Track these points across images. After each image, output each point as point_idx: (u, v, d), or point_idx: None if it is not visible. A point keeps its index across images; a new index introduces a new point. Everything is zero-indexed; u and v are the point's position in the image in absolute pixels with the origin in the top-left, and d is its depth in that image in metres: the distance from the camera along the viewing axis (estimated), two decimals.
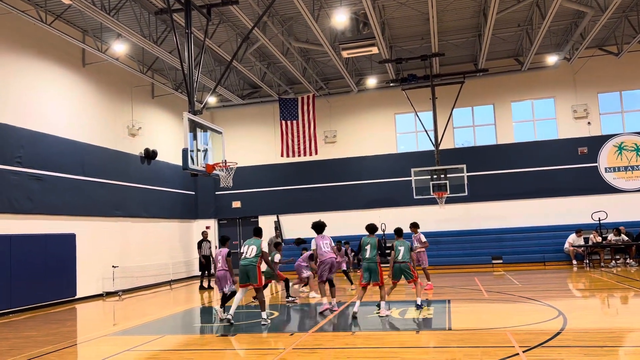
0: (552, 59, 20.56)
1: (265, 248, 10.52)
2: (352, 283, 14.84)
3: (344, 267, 15.24)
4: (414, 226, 14.43)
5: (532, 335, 7.68)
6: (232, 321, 9.80)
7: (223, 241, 11.07)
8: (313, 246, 11.37)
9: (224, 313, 10.15)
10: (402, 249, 10.64)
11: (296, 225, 22.67)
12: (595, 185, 20.91)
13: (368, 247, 10.29)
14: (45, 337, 9.66)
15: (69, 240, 15.30)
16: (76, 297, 15.35)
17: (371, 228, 10.65)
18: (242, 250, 10.18)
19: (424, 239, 14.27)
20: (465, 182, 18.62)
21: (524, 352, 6.60)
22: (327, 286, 10.92)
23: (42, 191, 14.62)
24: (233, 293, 10.33)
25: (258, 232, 10.56)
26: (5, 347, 8.88)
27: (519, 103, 22.38)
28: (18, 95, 14.22)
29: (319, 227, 11.28)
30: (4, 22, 13.83)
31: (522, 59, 21.07)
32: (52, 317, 12.44)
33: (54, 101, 15.59)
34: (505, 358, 6.39)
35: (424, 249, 14.21)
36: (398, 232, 11.10)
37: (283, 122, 21.77)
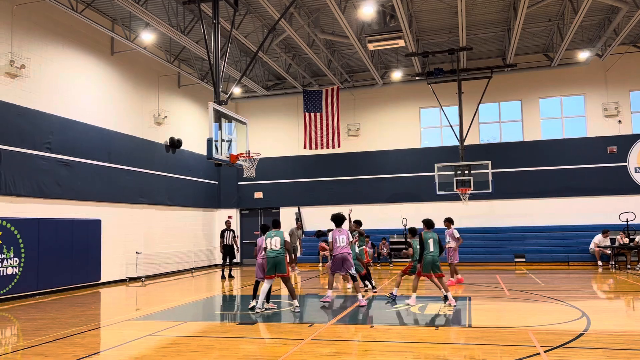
0: (583, 55, 20.10)
1: (287, 238, 10.68)
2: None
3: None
4: (448, 221, 14.35)
5: (554, 335, 7.57)
6: (258, 310, 10.10)
7: (265, 230, 10.92)
8: (330, 239, 11.37)
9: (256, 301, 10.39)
10: (431, 241, 10.79)
11: (317, 218, 22.74)
12: (624, 185, 20.44)
13: (431, 242, 10.79)
14: (71, 319, 9.89)
15: (94, 226, 15.60)
16: (100, 281, 15.67)
17: (428, 223, 11.12)
18: (265, 244, 10.43)
19: (457, 235, 14.22)
20: (490, 178, 18.40)
21: (545, 352, 6.52)
22: (336, 279, 11.26)
23: (70, 177, 14.92)
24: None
25: (277, 224, 10.85)
26: (33, 327, 9.13)
27: (548, 100, 21.96)
28: (49, 82, 14.50)
29: (338, 220, 11.36)
30: (36, 10, 14.09)
31: (552, 55, 20.65)
32: (77, 300, 12.73)
33: (83, 89, 15.86)
34: (526, 357, 6.32)
35: (455, 245, 14.14)
36: (428, 224, 11.09)
37: (306, 114, 21.76)
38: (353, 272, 11.15)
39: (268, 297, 10.55)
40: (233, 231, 17.91)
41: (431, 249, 10.75)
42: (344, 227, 11.39)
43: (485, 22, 18.32)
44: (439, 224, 21.24)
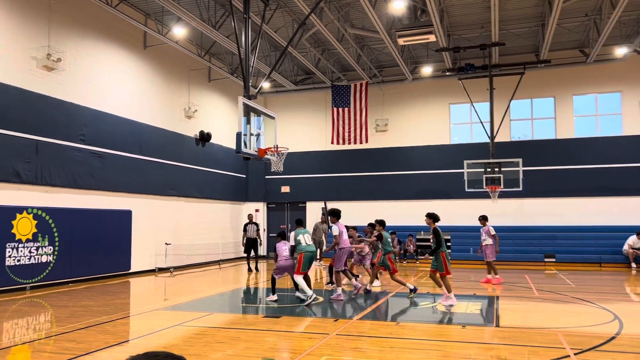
0: (620, 51, 19.51)
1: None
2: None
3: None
4: (484, 218, 14.31)
5: (585, 338, 7.42)
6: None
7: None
8: (335, 232, 11.36)
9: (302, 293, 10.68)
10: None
11: (344, 213, 22.67)
12: None
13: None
14: (101, 307, 10.14)
15: (125, 217, 15.93)
16: (130, 271, 16.00)
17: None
18: (296, 241, 10.85)
19: (493, 232, 14.10)
20: (521, 176, 18.07)
21: (575, 354, 6.39)
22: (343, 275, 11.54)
23: (102, 168, 15.25)
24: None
25: (301, 222, 11.71)
26: (66, 314, 9.39)
27: (582, 97, 21.41)
28: (83, 75, 14.83)
29: (338, 214, 11.85)
30: (72, 4, 14.41)
31: (587, 51, 20.11)
32: (108, 289, 13.03)
33: (116, 82, 16.17)
34: (556, 359, 6.20)
35: (491, 243, 14.03)
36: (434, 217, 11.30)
37: (335, 109, 21.71)
38: (368, 264, 11.65)
39: (274, 289, 10.96)
40: (256, 224, 17.95)
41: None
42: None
43: (518, 17, 17.95)
44: (469, 221, 21.06)
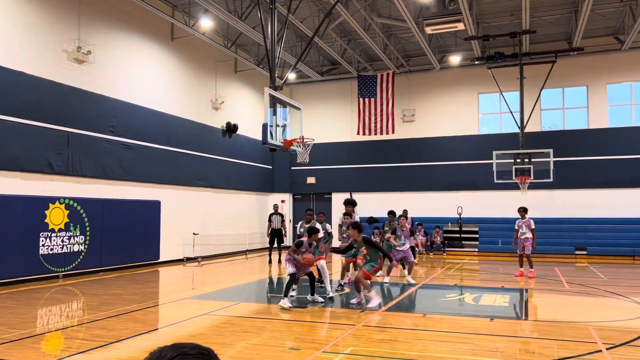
0: None
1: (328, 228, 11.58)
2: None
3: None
4: (524, 210, 13.79)
5: (617, 332, 7.24)
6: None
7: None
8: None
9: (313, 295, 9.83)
10: None
11: (369, 204, 22.62)
12: None
13: None
14: (131, 296, 10.34)
15: (154, 207, 16.18)
16: (159, 260, 16.27)
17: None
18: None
19: (533, 225, 13.56)
20: (551, 167, 17.67)
21: (607, 349, 6.24)
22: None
23: (131, 159, 15.50)
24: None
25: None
26: (97, 302, 9.61)
27: (616, 85, 20.79)
28: (112, 67, 15.06)
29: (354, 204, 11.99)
30: None
31: (622, 38, 19.46)
32: (137, 278, 13.28)
33: (144, 74, 16.38)
34: (586, 354, 6.07)
35: (531, 236, 13.46)
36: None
37: (361, 99, 21.59)
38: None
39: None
40: (281, 215, 17.89)
41: None
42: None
43: (550, 3, 17.47)
44: (497, 213, 20.75)
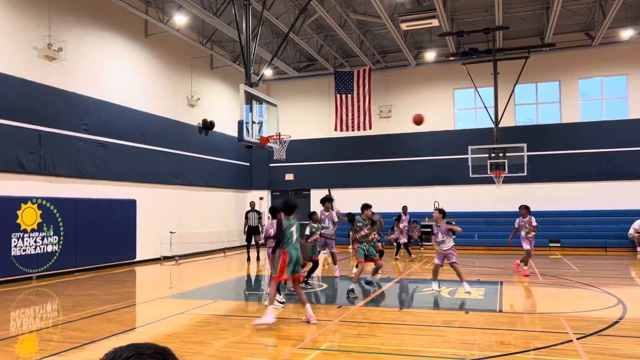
0: (626, 34, 19.25)
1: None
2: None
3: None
4: (525, 209, 13.22)
5: (588, 322, 7.42)
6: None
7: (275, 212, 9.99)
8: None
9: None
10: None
11: (348, 200, 22.69)
12: None
13: None
14: (107, 296, 10.21)
15: (129, 206, 15.99)
16: (135, 260, 16.09)
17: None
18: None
19: (534, 223, 13.08)
20: (525, 161, 17.97)
21: (578, 339, 6.39)
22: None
23: (106, 158, 15.28)
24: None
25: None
26: (71, 303, 9.47)
27: (587, 80, 21.21)
28: (85, 64, 14.80)
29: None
30: None
31: (593, 34, 19.86)
32: (113, 278, 13.12)
33: (117, 71, 16.14)
34: (558, 344, 6.21)
35: (533, 233, 13.05)
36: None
37: (338, 95, 21.62)
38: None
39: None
40: (258, 212, 17.78)
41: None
42: None
43: (522, 0, 17.73)
44: (473, 207, 21.05)
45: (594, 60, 20.70)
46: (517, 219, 13.23)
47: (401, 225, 17.00)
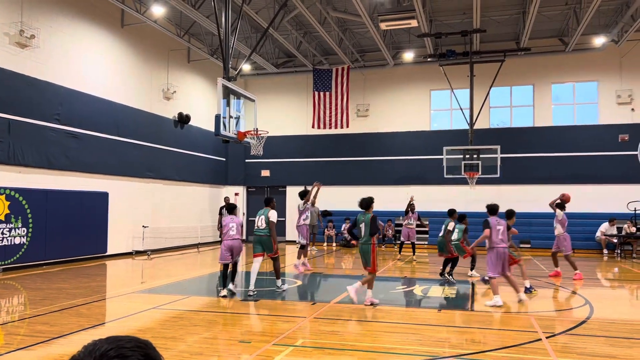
0: (599, 41, 19.72)
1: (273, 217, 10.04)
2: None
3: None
4: (558, 206, 12.94)
5: (557, 322, 7.58)
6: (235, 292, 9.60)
7: (232, 209, 10.22)
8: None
9: (230, 284, 9.65)
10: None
11: (324, 197, 22.70)
12: (634, 174, 20.21)
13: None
14: (76, 289, 10.01)
15: (102, 199, 15.69)
16: (107, 253, 15.82)
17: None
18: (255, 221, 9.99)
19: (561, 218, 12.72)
20: (499, 163, 18.26)
21: (547, 338, 6.53)
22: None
23: (78, 149, 14.96)
24: (234, 264, 9.77)
25: (268, 202, 10.13)
26: (40, 296, 9.25)
27: (560, 85, 21.66)
28: (58, 53, 14.45)
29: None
30: None
31: (566, 40, 20.28)
32: (83, 272, 12.87)
33: (92, 61, 15.80)
34: (528, 342, 6.33)
35: (563, 232, 12.82)
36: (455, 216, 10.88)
37: (316, 93, 21.60)
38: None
39: (227, 275, 9.63)
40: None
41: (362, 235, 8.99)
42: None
43: (500, 4, 17.99)
44: (447, 206, 21.22)
45: (567, 65, 21.14)
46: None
47: (404, 223, 17.05)
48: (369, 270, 8.79)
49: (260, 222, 9.82)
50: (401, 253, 17.09)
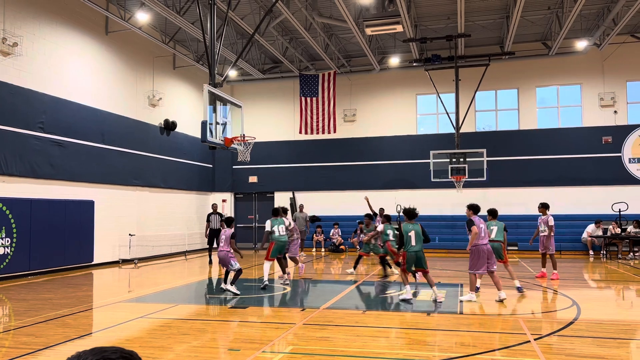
0: (581, 45, 20.01)
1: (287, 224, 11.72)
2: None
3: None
4: (544, 207, 13.04)
5: (545, 323, 7.63)
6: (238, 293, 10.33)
7: (229, 222, 10.95)
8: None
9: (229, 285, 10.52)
10: (412, 234, 9.69)
11: (312, 203, 22.73)
12: (618, 175, 20.50)
13: (412, 234, 9.67)
14: (62, 300, 9.87)
15: (87, 207, 15.53)
16: (93, 262, 15.64)
17: (409, 213, 9.79)
18: (271, 230, 11.30)
19: (552, 222, 12.82)
20: (485, 166, 18.41)
21: (535, 339, 6.56)
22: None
23: (62, 157, 14.79)
24: (239, 271, 10.47)
25: (277, 212, 11.67)
26: (24, 307, 9.10)
27: (544, 89, 21.92)
28: (42, 61, 14.30)
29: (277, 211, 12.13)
30: None
31: (550, 44, 20.54)
32: (69, 281, 12.70)
33: (76, 68, 15.67)
34: (516, 345, 6.35)
35: (552, 234, 12.90)
36: (409, 214, 10.39)
37: (303, 98, 21.62)
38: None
39: (226, 279, 10.72)
40: (221, 214, 17.56)
41: (413, 243, 9.52)
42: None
43: (484, 8, 18.18)
44: (434, 211, 21.38)
45: (551, 69, 21.40)
46: (538, 218, 13.40)
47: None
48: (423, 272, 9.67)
49: (281, 230, 11.26)
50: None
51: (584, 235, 18.98)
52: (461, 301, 9.37)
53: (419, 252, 9.57)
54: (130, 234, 17.22)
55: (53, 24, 14.77)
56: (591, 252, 18.59)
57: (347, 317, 8.40)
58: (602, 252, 18.42)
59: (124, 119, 17.67)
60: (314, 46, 19.43)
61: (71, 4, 15.16)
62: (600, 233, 18.70)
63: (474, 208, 9.84)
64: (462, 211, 21.97)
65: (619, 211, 18.58)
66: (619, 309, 9.57)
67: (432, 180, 19.01)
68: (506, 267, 10.90)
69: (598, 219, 18.86)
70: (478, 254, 9.41)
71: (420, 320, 8.07)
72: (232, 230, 10.63)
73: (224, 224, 10.91)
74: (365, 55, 21.16)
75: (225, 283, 10.58)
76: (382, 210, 16.90)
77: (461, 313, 8.60)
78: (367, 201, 17.02)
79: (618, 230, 18.30)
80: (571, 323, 7.62)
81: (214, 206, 18.20)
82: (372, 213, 16.40)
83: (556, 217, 20.42)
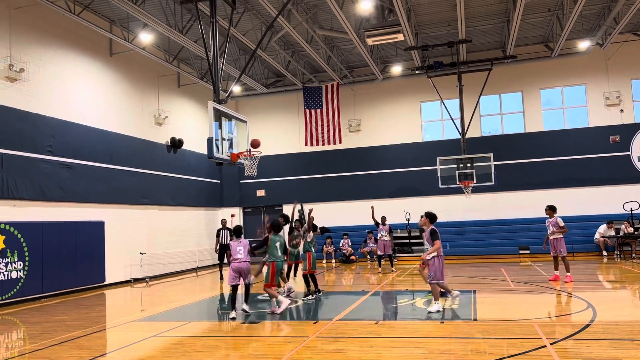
0: (583, 45, 19.98)
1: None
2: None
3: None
4: (551, 209, 12.92)
5: (560, 327, 7.55)
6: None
7: (239, 232, 10.24)
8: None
9: (244, 305, 9.99)
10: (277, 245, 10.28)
11: (320, 214, 22.67)
12: (628, 174, 20.35)
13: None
14: (76, 321, 9.90)
15: (98, 228, 15.61)
16: (105, 283, 15.69)
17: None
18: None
19: (562, 224, 12.67)
20: (492, 171, 18.34)
21: (551, 344, 6.49)
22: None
23: (72, 179, 14.92)
24: (246, 286, 10.06)
25: (278, 228, 10.64)
26: (38, 330, 9.13)
27: (549, 90, 21.87)
28: (48, 85, 14.49)
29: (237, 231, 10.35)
30: (34, 12, 14.07)
31: (552, 45, 20.53)
32: (82, 303, 12.74)
33: (82, 91, 15.85)
34: (532, 350, 6.29)
35: (562, 236, 12.77)
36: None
37: (307, 110, 21.72)
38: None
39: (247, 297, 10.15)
40: (230, 230, 17.52)
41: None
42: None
43: (484, 13, 18.22)
44: (443, 217, 21.24)
45: (554, 70, 21.37)
46: (546, 221, 13.15)
47: (378, 236, 16.68)
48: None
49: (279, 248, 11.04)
50: (381, 266, 16.80)
51: (596, 236, 18.82)
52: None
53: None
54: (141, 253, 17.28)
55: (58, 48, 14.97)
56: (604, 252, 18.41)
57: (360, 328, 8.35)
58: (615, 252, 18.23)
59: (131, 139, 17.81)
60: (316, 58, 19.54)
61: (75, 28, 15.37)
62: (612, 233, 18.53)
63: (431, 217, 9.60)
64: (472, 217, 22.02)
65: (631, 210, 18.41)
66: (636, 309, 9.45)
67: (440, 186, 18.97)
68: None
69: (610, 220, 18.70)
70: (440, 263, 9.45)
71: (434, 329, 8.01)
72: (247, 240, 10.07)
73: (233, 236, 10.22)
74: (368, 65, 21.24)
75: (247, 303, 9.94)
76: (384, 218, 16.88)
77: (475, 320, 8.54)
78: (372, 210, 17.01)
79: (631, 230, 18.12)
80: (587, 326, 7.53)
81: (223, 221, 18.18)
82: (374, 222, 16.67)
83: (567, 219, 20.26)
